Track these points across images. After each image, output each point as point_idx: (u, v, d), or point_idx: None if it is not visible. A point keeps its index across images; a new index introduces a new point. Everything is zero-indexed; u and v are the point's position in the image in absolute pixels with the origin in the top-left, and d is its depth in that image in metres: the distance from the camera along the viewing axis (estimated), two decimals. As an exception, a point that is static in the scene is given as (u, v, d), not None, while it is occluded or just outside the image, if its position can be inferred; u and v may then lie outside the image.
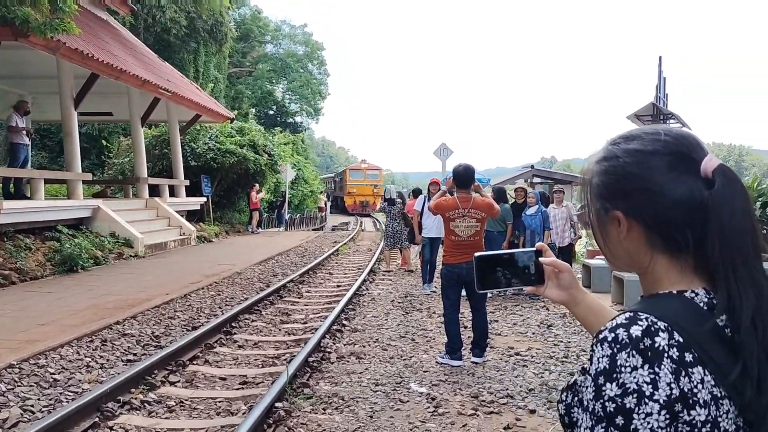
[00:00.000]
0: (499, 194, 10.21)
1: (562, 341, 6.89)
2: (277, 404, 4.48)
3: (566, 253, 10.61)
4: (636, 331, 0.82)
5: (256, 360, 6.08)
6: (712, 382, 0.81)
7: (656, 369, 0.80)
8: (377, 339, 6.80)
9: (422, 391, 5.05)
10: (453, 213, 5.89)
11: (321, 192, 40.56)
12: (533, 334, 7.29)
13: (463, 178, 5.96)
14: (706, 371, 0.81)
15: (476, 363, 5.96)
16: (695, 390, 0.80)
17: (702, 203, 0.86)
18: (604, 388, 0.82)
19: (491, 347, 6.54)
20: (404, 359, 6.02)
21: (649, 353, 0.81)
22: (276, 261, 13.36)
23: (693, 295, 0.87)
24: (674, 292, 0.89)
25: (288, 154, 34.10)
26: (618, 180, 0.93)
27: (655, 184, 0.89)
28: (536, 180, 19.95)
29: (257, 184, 21.72)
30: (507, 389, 5.14)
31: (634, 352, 0.81)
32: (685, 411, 0.79)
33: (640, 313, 0.85)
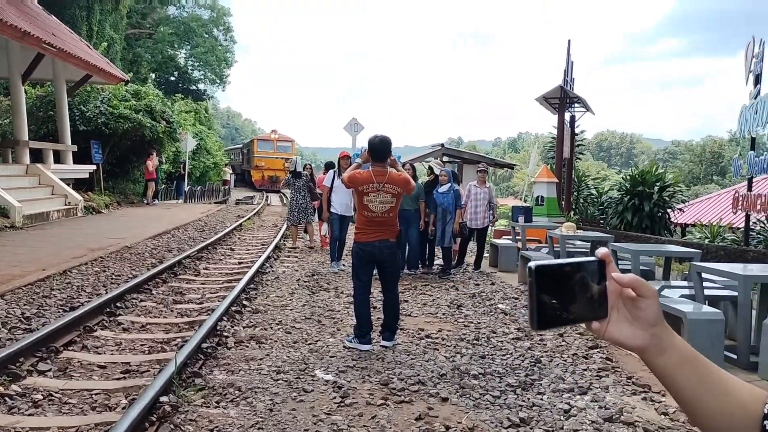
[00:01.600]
0: (414, 170, 9.95)
1: (472, 322, 6.71)
2: (162, 398, 3.93)
3: (481, 236, 10.50)
4: None
5: (142, 345, 5.44)
6: None
7: None
8: (280, 321, 6.32)
9: (328, 379, 4.65)
10: (367, 187, 5.53)
11: (225, 164, 39.04)
12: (443, 314, 7.06)
13: (380, 150, 5.60)
14: None
15: (386, 347, 5.62)
16: None
17: None
18: None
19: (401, 329, 6.24)
20: (309, 343, 5.59)
21: None
22: (172, 235, 12.49)
23: None
24: None
25: (189, 122, 32.46)
26: None
27: None
28: (445, 159, 19.94)
29: (154, 153, 20.39)
30: (418, 375, 4.84)
31: None
32: None
33: None
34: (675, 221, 15.30)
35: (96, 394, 4.23)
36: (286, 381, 4.56)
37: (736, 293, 5.82)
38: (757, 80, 10.42)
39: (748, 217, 10.89)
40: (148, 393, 3.82)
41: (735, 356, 5.45)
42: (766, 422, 0.77)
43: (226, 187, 35.06)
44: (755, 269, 6.06)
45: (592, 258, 0.77)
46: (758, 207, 10.26)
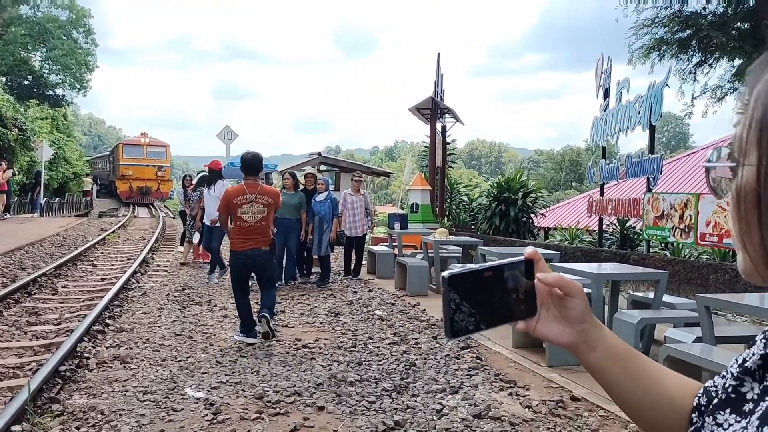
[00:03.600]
0: (296, 179, 9.83)
1: (350, 329, 6.74)
2: (14, 427, 3.60)
3: (360, 244, 10.55)
4: None
5: (-10, 372, 4.97)
6: None
7: None
8: (147, 339, 6.01)
9: (199, 396, 4.48)
10: (240, 199, 5.98)
11: (87, 174, 36.57)
12: (321, 323, 7.04)
13: (252, 165, 6.14)
14: None
15: (266, 316, 5.97)
16: None
17: None
18: None
19: (278, 340, 6.16)
20: (179, 360, 5.36)
21: None
22: (26, 251, 11.52)
23: None
24: None
25: (46, 130, 30.18)
26: None
27: None
28: (323, 167, 19.95)
29: (4, 163, 18.70)
30: (294, 386, 4.78)
31: None
32: None
33: None
34: (538, 225, 16.30)
35: (-68, 430, 3.80)
36: (153, 401, 4.34)
37: (590, 290, 6.29)
38: (606, 94, 11.34)
39: (601, 220, 11.80)
40: (-5, 424, 3.48)
41: (591, 349, 5.87)
42: (693, 415, 0.77)
43: (88, 198, 32.82)
44: (607, 268, 6.58)
45: (520, 258, 0.76)
46: (609, 211, 11.15)
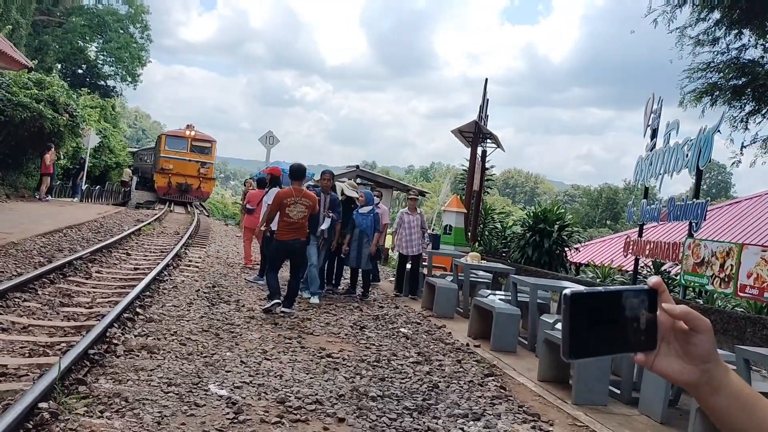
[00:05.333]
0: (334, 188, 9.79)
1: (374, 344, 6.71)
2: (41, 404, 3.65)
3: (416, 262, 10.45)
4: None
5: (22, 348, 5.04)
6: None
7: None
8: (175, 332, 6.06)
9: (222, 394, 4.49)
10: (289, 200, 7.55)
11: (128, 165, 37.11)
12: (346, 335, 7.02)
13: (298, 172, 7.82)
14: None
15: (285, 313, 7.48)
16: None
17: None
18: None
19: (302, 347, 6.16)
20: (205, 356, 5.39)
21: None
22: (64, 234, 11.77)
23: None
24: None
25: (94, 118, 30.93)
26: None
27: None
28: (359, 181, 20.05)
29: (52, 147, 19.23)
30: (316, 394, 4.76)
31: None
32: None
33: None
34: (571, 260, 16.07)
35: (-37, 398, 3.88)
36: (177, 394, 4.36)
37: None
38: (654, 134, 11.17)
39: (637, 260, 11.58)
40: (26, 398, 3.54)
41: (618, 391, 5.74)
42: None
43: (127, 189, 33.41)
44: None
45: (643, 286, 0.73)
46: (647, 252, 10.93)
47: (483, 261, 9.93)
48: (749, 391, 0.76)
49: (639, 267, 12.03)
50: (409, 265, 10.47)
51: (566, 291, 0.71)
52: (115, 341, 5.39)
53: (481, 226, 16.58)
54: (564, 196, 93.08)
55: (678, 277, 9.93)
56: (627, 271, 14.97)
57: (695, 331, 0.72)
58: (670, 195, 10.40)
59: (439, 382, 5.54)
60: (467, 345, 7.17)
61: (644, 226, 11.70)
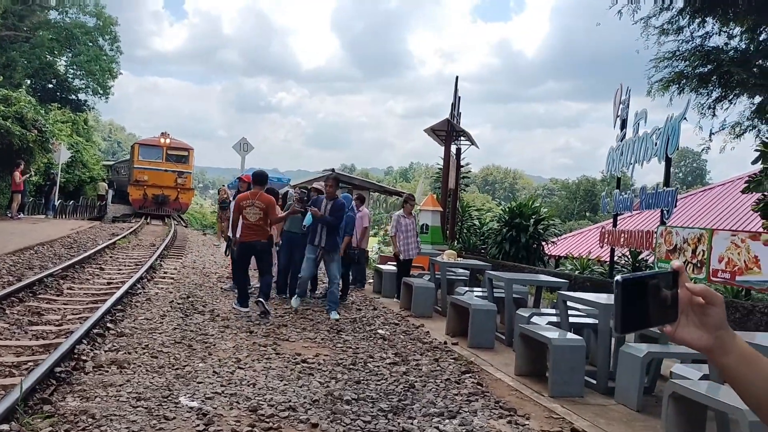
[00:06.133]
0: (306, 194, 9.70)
1: (351, 347, 6.66)
2: (1, 426, 3.56)
3: (406, 267, 10.38)
4: None
5: (-14, 369, 4.93)
6: None
7: None
8: (147, 345, 5.96)
9: (193, 406, 4.41)
10: (245, 202, 8.01)
11: (103, 179, 36.54)
12: (322, 339, 6.96)
13: (259, 177, 8.33)
14: None
15: (264, 311, 7.83)
16: None
17: None
18: None
19: (277, 354, 6.10)
20: (176, 368, 5.30)
21: None
22: (35, 252, 11.56)
23: None
24: None
25: (66, 133, 30.52)
26: None
27: None
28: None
29: (22, 163, 18.92)
30: (290, 401, 4.70)
31: None
32: None
33: None
34: (549, 253, 16.14)
35: None
36: (146, 408, 4.28)
37: (596, 321, 6.17)
38: (624, 124, 11.25)
39: (612, 250, 11.65)
40: (-17, 422, 3.44)
41: (594, 381, 5.75)
42: None
43: (102, 203, 32.95)
44: (615, 299, 6.45)
45: (668, 269, 0.89)
46: (621, 242, 11.01)
47: (459, 258, 9.93)
48: (752, 351, 0.92)
49: (616, 257, 12.11)
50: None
51: (618, 277, 0.85)
52: (84, 357, 5.29)
53: (459, 224, 16.59)
54: (543, 190, 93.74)
55: (653, 265, 10.00)
56: (605, 262, 15.07)
57: (711, 304, 0.88)
58: (645, 184, 10.46)
59: (416, 381, 5.51)
60: (445, 343, 7.15)
61: (621, 216, 11.80)
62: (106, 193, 33.86)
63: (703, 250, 7.86)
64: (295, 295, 8.68)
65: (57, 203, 24.08)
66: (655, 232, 9.18)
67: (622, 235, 10.99)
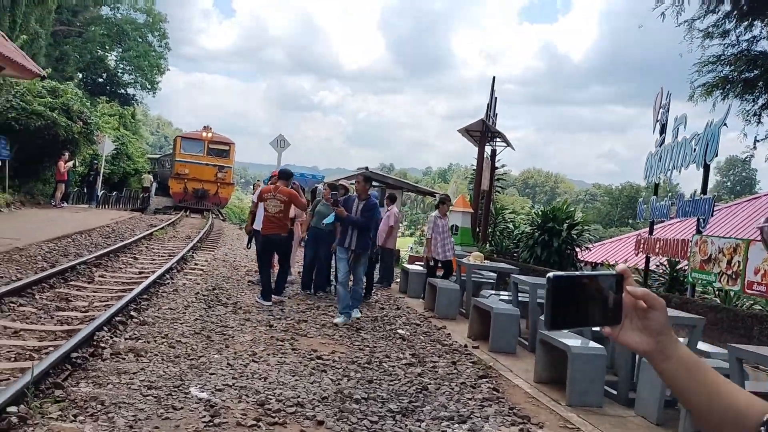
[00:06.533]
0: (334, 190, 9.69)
1: (368, 346, 6.63)
2: (10, 408, 3.64)
3: (447, 268, 10.32)
4: None
5: (9, 352, 5.06)
6: None
7: None
8: (166, 335, 6.04)
9: (202, 397, 4.44)
10: (267, 195, 8.32)
11: (147, 171, 37.29)
12: (340, 336, 6.95)
13: (283, 173, 8.75)
14: None
15: (280, 300, 8.48)
16: None
17: None
18: None
19: (293, 349, 6.11)
20: (192, 359, 5.35)
21: None
22: (73, 239, 11.87)
23: None
24: None
25: (113, 126, 31.32)
26: None
27: None
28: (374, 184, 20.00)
29: (67, 153, 19.48)
30: (299, 396, 4.69)
31: None
32: None
33: None
34: (583, 259, 15.81)
35: (-61, 403, 3.87)
36: (155, 397, 4.32)
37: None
38: (663, 129, 10.94)
39: (648, 259, 11.35)
40: (-8, 403, 3.52)
41: (615, 392, 5.59)
42: (762, 428, 0.86)
43: (146, 195, 33.68)
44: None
45: (612, 272, 0.88)
46: (657, 250, 10.71)
47: (487, 261, 9.79)
48: (693, 358, 0.92)
49: (654, 266, 11.80)
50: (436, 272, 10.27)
51: (549, 274, 0.86)
52: (103, 344, 5.38)
53: (492, 226, 16.40)
54: (585, 195, 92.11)
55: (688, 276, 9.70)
56: (642, 270, 14.68)
57: (653, 308, 0.88)
58: (691, 191, 10.10)
59: (430, 384, 5.44)
60: (465, 346, 7.06)
61: (660, 224, 11.48)
62: (150, 185, 34.54)
63: (738, 261, 7.57)
64: (339, 311, 7.89)
65: (100, 194, 24.72)
66: (690, 241, 8.90)
67: (658, 243, 10.70)
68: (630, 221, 61.71)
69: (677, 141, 9.97)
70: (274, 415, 4.27)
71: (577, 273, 0.86)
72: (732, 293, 9.07)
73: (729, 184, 74.49)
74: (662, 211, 10.89)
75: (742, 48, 11.37)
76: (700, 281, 8.75)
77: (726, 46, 11.51)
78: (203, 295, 8.25)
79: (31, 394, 3.87)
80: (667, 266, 13.25)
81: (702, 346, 5.93)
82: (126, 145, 31.91)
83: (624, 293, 0.89)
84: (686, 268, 13.11)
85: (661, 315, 0.89)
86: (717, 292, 10.73)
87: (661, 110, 11.07)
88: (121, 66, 51.25)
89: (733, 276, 7.66)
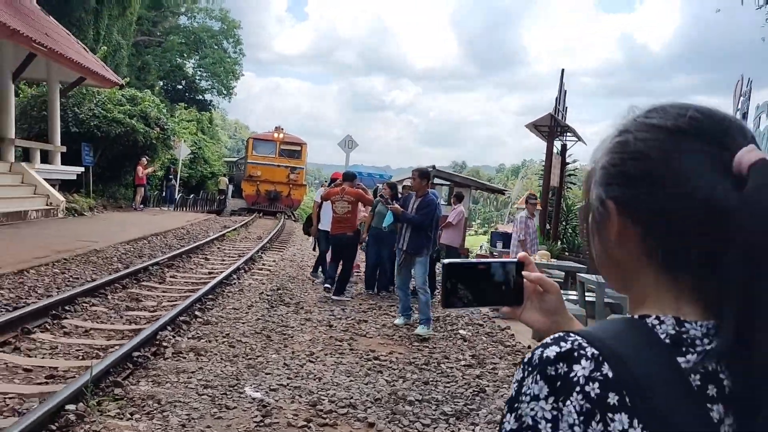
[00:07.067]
0: (395, 190, 9.65)
1: (427, 347, 6.53)
2: (68, 406, 3.78)
3: None
4: (552, 352, 0.67)
5: (78, 350, 5.29)
6: None
7: (561, 404, 0.64)
8: (228, 334, 6.15)
9: (255, 396, 4.48)
10: (335, 197, 8.69)
11: (224, 174, 38.46)
12: (400, 337, 6.89)
13: (347, 175, 9.11)
14: (635, 422, 0.62)
15: (328, 295, 8.60)
16: None
17: (724, 208, 0.64)
18: (505, 420, 0.69)
19: (351, 350, 6.09)
20: (249, 358, 5.43)
21: (559, 382, 0.65)
22: (148, 241, 12.36)
23: (656, 322, 0.67)
24: (636, 316, 0.70)
25: (191, 131, 32.47)
26: (622, 160, 0.72)
27: (665, 173, 0.68)
28: (437, 181, 19.83)
29: (145, 158, 20.35)
30: (352, 397, 4.66)
31: (538, 377, 0.66)
32: None
33: (573, 333, 0.68)
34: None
35: (10, 398, 4.08)
36: (210, 396, 4.40)
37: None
38: (744, 118, 10.29)
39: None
40: (52, 400, 3.66)
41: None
42: None
43: (222, 197, 34.74)
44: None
45: (514, 259, 0.95)
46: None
47: (553, 260, 9.48)
48: None
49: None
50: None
51: (444, 261, 0.93)
52: (165, 344, 5.54)
53: (563, 223, 15.90)
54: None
55: None
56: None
57: (547, 292, 0.96)
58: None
59: (488, 386, 5.29)
60: (528, 347, 6.84)
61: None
62: (227, 187, 35.56)
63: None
64: (400, 315, 7.68)
65: (178, 197, 25.68)
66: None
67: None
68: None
69: (759, 130, 9.35)
70: (325, 416, 4.25)
71: (471, 260, 0.94)
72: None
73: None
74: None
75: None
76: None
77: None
78: (267, 295, 8.38)
79: (90, 392, 4.01)
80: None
81: None
82: (203, 149, 33.00)
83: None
84: None
85: (555, 297, 0.97)
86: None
87: (742, 98, 10.42)
88: (199, 73, 53.21)
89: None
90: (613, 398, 0.62)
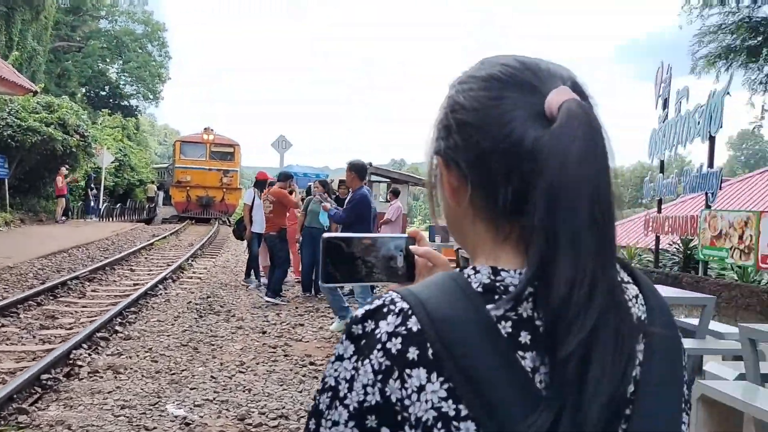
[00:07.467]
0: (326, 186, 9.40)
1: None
2: (-37, 441, 3.39)
3: None
4: (362, 310, 0.63)
5: (-19, 377, 4.83)
6: (445, 395, 0.56)
7: (359, 363, 0.60)
8: (150, 348, 5.79)
9: (178, 414, 4.18)
10: (263, 197, 8.89)
11: (152, 181, 37.06)
12: (338, 339, 6.66)
13: (281, 175, 9.22)
14: (435, 377, 0.57)
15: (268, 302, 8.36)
16: (406, 401, 0.57)
17: (533, 149, 0.61)
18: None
19: (285, 356, 5.84)
20: (173, 373, 5.09)
21: (363, 341, 0.61)
22: (68, 254, 11.68)
23: (472, 272, 0.63)
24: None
25: (116, 138, 31.21)
26: (445, 115, 0.70)
27: (480, 121, 0.65)
28: (374, 178, 19.70)
29: (65, 168, 19.35)
30: (284, 407, 4.42)
31: (344, 337, 0.63)
32: (383, 429, 0.58)
33: (394, 291, 0.64)
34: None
35: None
36: (128, 417, 4.07)
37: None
38: (665, 104, 10.56)
39: (657, 238, 10.97)
40: (-60, 437, 3.27)
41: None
42: None
43: (152, 205, 33.57)
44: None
45: (404, 235, 0.90)
46: (666, 228, 10.34)
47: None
48: None
49: (667, 245, 11.43)
50: None
51: (324, 235, 0.87)
52: (80, 363, 5.14)
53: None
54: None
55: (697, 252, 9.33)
56: (652, 250, 14.28)
57: (436, 265, 0.87)
58: (688, 167, 9.75)
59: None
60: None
61: (672, 203, 11.10)
62: (156, 195, 34.40)
63: (750, 235, 7.20)
64: (337, 319, 7.16)
65: (103, 207, 24.60)
66: (699, 217, 8.53)
67: (667, 221, 10.33)
68: (643, 201, 61.06)
69: (680, 115, 9.59)
70: (254, 430, 4.00)
71: (351, 234, 0.88)
72: (749, 269, 8.70)
73: (743, 158, 73.40)
74: (669, 188, 10.52)
75: (743, 15, 10.93)
76: (711, 258, 8.38)
77: (726, 14, 11.07)
78: (196, 304, 8.00)
79: (-11, 422, 3.63)
80: (680, 245, 12.87)
81: (716, 326, 5.56)
82: (129, 156, 31.79)
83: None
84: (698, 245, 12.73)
85: (443, 270, 0.88)
86: (735, 269, 10.36)
87: (663, 85, 10.69)
88: (123, 78, 51.46)
89: (746, 251, 7.29)
90: (413, 353, 0.59)
